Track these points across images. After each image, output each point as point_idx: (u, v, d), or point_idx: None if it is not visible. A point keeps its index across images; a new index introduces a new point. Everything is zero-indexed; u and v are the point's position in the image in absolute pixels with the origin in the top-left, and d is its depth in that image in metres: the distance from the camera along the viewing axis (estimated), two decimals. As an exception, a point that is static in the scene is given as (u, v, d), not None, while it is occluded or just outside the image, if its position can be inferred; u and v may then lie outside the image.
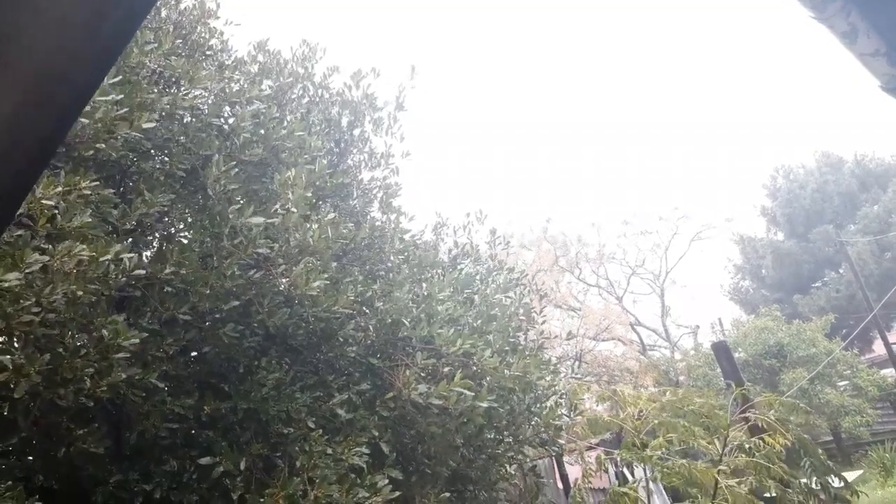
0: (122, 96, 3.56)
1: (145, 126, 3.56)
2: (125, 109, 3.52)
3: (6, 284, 2.76)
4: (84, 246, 3.07)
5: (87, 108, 3.41)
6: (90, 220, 3.21)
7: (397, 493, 3.95)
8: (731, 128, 53.85)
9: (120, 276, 3.36)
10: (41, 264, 2.92)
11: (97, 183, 3.24)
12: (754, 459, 6.24)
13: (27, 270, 2.85)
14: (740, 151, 53.60)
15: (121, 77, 3.79)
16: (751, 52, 55.60)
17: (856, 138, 54.67)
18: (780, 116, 54.97)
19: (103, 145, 3.48)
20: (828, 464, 6.81)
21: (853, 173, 31.50)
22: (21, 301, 2.87)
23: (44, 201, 3.03)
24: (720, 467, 6.24)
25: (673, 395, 7.07)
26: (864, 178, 31.00)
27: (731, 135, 53.72)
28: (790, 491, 6.21)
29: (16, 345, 3.12)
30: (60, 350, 3.19)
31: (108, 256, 3.17)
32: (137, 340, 3.36)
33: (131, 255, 3.40)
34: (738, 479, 6.31)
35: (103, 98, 3.48)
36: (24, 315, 2.86)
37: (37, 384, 3.03)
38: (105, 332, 3.26)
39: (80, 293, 3.11)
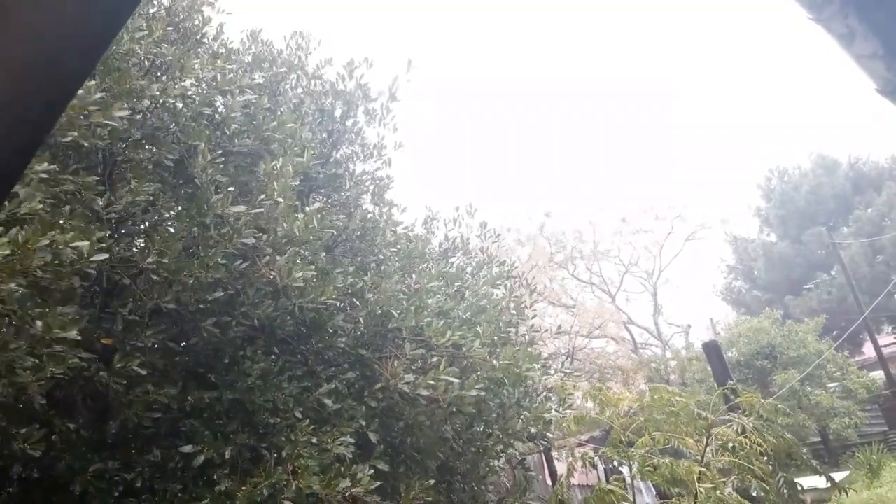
0: (94, 82, 3.49)
1: (119, 114, 3.48)
2: (100, 95, 3.45)
3: None
4: (23, 233, 2.92)
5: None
6: (40, 205, 3.07)
7: (378, 484, 3.93)
8: (727, 129, 53.95)
9: (75, 265, 3.20)
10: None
11: (55, 167, 3.16)
12: (737, 460, 6.24)
13: None
14: (736, 152, 53.74)
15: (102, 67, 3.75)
16: (748, 53, 55.70)
17: (851, 141, 54.83)
18: (776, 118, 55.05)
19: (76, 133, 3.41)
20: (812, 463, 6.83)
21: (847, 176, 31.58)
22: None
23: None
24: (700, 468, 6.24)
25: (656, 394, 7.07)
26: (859, 180, 31.08)
27: (727, 135, 53.84)
28: (772, 490, 6.22)
29: None
30: None
31: (44, 242, 2.96)
32: (75, 332, 3.17)
33: (82, 243, 3.25)
34: (722, 479, 6.32)
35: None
36: None
37: None
38: (38, 324, 3.09)
39: (11, 285, 2.96)
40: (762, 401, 6.66)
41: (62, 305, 3.29)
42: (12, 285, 2.95)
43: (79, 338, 3.23)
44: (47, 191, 3.24)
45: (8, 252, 2.86)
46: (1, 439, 3.52)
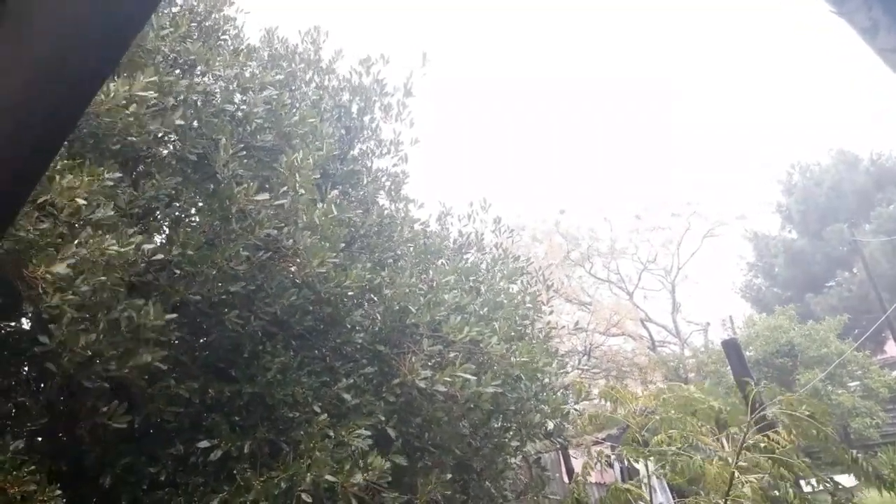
0: (156, 95, 3.62)
1: (142, 94, 3.59)
2: (156, 106, 3.56)
3: (57, 274, 2.85)
4: (113, 240, 3.13)
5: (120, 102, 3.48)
6: (112, 213, 3.26)
7: (390, 479, 3.94)
8: (746, 124, 53.39)
9: (139, 262, 3.42)
10: (79, 258, 2.98)
11: (120, 175, 3.29)
12: (773, 456, 6.16)
13: (68, 262, 2.93)
14: (755, 148, 53.13)
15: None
16: (768, 48, 55.03)
17: (873, 136, 53.94)
18: (796, 113, 54.37)
19: (135, 138, 3.53)
20: (852, 454, 6.71)
21: (869, 172, 31.10)
22: (65, 291, 2.94)
23: (74, 197, 3.07)
24: (740, 463, 6.17)
25: (680, 392, 7.02)
26: (880, 176, 30.58)
27: (746, 131, 53.25)
28: (803, 491, 6.15)
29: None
30: (92, 332, 3.23)
31: (131, 248, 3.24)
32: (163, 322, 3.40)
33: (152, 245, 3.45)
34: (750, 477, 6.25)
35: (142, 93, 3.54)
36: (54, 298, 2.92)
37: (69, 366, 3.08)
38: (133, 313, 3.30)
39: (108, 283, 3.18)
40: (800, 398, 6.58)
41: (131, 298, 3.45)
42: (102, 277, 3.09)
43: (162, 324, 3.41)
44: (116, 198, 3.39)
45: (98, 252, 3.02)
46: (92, 417, 3.67)
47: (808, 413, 6.38)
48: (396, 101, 6.08)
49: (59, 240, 3.10)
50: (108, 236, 3.13)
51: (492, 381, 4.43)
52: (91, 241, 3.07)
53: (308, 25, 5.89)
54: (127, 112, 3.49)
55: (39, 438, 4.15)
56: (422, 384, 4.34)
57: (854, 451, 6.40)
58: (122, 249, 3.15)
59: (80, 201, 3.07)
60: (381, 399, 4.52)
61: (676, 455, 6.52)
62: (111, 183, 3.28)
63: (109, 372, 3.31)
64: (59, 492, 3.11)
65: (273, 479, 3.77)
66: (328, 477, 3.68)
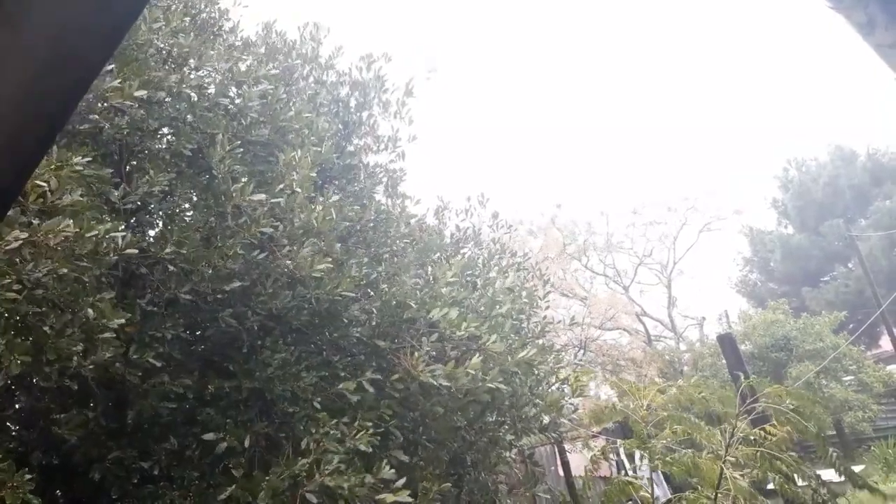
0: (112, 67, 3.53)
1: (137, 94, 3.51)
2: (118, 80, 3.49)
3: None
4: (70, 222, 3.00)
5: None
6: (81, 197, 3.15)
7: (402, 481, 3.94)
8: (743, 119, 53.34)
9: (111, 255, 3.32)
10: (21, 241, 2.86)
11: (90, 159, 3.20)
12: (761, 450, 6.19)
13: (7, 248, 2.81)
14: (752, 143, 53.10)
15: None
16: (765, 42, 54.97)
17: (869, 132, 53.96)
18: (793, 109, 54.36)
19: (97, 116, 3.45)
20: (833, 457, 6.78)
21: (865, 167, 31.14)
22: (2, 278, 2.85)
23: (37, 180, 2.97)
24: (728, 458, 6.21)
25: (680, 389, 7.07)
26: (877, 172, 30.63)
27: (743, 126, 53.20)
28: (793, 484, 6.18)
29: None
30: (46, 329, 3.15)
31: (94, 232, 3.11)
32: (123, 321, 3.31)
33: (122, 232, 3.33)
34: (740, 471, 6.29)
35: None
36: (7, 293, 2.85)
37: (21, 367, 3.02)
38: (90, 311, 3.21)
39: (64, 270, 3.08)
40: (787, 389, 6.61)
41: (98, 293, 3.38)
42: (64, 270, 3.02)
43: (121, 323, 3.32)
44: (83, 182, 3.31)
45: (61, 239, 2.94)
46: (44, 423, 3.62)
47: (792, 407, 6.42)
48: (396, 99, 6.04)
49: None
50: (68, 221, 3.01)
51: (496, 377, 4.42)
52: (45, 224, 2.95)
53: (308, 20, 5.83)
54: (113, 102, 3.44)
55: (27, 430, 4.15)
56: (428, 380, 4.31)
57: (832, 451, 6.43)
58: (86, 234, 3.05)
59: (42, 183, 2.96)
60: (382, 395, 4.50)
61: (671, 449, 6.57)
62: (81, 167, 3.16)
63: (67, 371, 3.25)
64: (28, 476, 3.07)
65: (277, 475, 3.76)
66: (340, 483, 3.66)
